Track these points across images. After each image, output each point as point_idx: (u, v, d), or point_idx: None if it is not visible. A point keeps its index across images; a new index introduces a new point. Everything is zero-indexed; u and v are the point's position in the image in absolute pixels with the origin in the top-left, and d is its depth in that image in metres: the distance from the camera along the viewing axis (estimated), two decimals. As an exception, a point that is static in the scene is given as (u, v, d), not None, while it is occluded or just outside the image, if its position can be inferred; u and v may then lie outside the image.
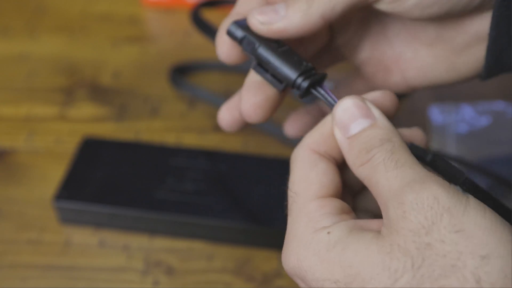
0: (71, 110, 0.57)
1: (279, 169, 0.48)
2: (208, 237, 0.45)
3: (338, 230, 0.25)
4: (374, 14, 0.34)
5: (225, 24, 0.32)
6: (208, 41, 0.51)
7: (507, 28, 0.29)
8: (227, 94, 0.58)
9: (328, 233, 0.25)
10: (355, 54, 0.36)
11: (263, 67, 0.30)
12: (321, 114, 0.36)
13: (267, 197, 0.46)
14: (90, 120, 0.56)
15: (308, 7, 0.29)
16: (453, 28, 0.32)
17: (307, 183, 0.26)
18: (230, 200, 0.46)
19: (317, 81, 0.29)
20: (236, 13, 0.32)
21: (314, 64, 0.31)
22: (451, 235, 0.22)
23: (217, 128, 0.55)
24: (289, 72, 0.29)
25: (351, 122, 0.26)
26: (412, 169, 0.24)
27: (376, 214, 0.28)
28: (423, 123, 0.53)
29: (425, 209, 0.22)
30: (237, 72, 0.61)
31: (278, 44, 0.30)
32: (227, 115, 0.35)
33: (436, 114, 0.53)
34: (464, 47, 0.32)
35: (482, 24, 0.31)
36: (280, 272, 0.44)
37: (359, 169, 0.25)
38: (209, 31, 0.49)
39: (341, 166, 0.28)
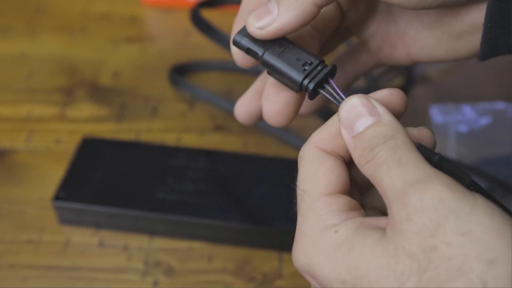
0: (71, 110, 0.57)
1: (279, 169, 0.48)
2: (208, 237, 0.45)
3: (345, 229, 0.24)
4: None
5: (235, 28, 0.32)
6: (208, 41, 0.51)
7: (501, 20, 0.30)
8: (227, 94, 0.58)
9: (336, 231, 0.24)
10: (362, 30, 0.36)
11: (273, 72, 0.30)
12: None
13: (267, 197, 0.46)
14: (90, 120, 0.56)
15: (295, 3, 0.29)
16: (451, 15, 0.32)
17: (315, 180, 0.26)
18: (230, 200, 0.46)
19: (324, 79, 0.29)
20: (247, 10, 0.32)
21: (326, 44, 0.31)
22: (457, 238, 0.21)
23: (217, 128, 0.55)
24: (295, 77, 0.29)
25: (356, 121, 0.26)
26: (416, 168, 0.23)
27: (384, 211, 0.28)
28: (424, 123, 0.53)
29: (430, 211, 0.22)
30: (237, 72, 0.61)
31: (284, 45, 0.30)
32: (242, 110, 0.36)
33: (436, 114, 0.53)
34: (461, 33, 0.33)
35: (477, 14, 0.31)
36: (280, 272, 0.44)
37: (364, 168, 0.25)
38: (209, 30, 0.50)
39: (349, 163, 0.28)
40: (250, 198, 0.46)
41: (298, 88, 0.29)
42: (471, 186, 0.25)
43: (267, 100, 0.32)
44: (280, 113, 0.32)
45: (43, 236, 0.46)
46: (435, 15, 0.33)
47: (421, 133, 0.28)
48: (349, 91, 0.30)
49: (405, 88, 0.58)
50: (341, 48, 0.38)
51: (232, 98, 0.58)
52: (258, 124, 0.54)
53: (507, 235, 0.21)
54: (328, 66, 0.29)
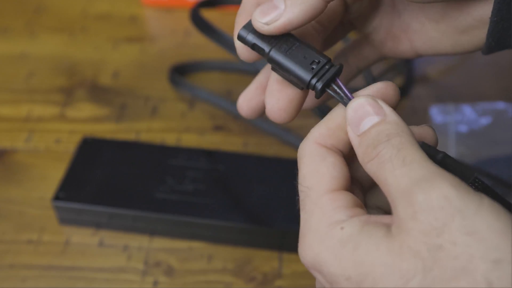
0: (71, 110, 0.57)
1: (279, 169, 0.48)
2: (208, 237, 0.45)
3: (350, 226, 0.24)
4: None
5: (238, 21, 0.31)
6: (208, 41, 0.51)
7: (508, 14, 0.30)
8: (227, 94, 0.58)
9: (342, 228, 0.25)
10: (365, 24, 0.36)
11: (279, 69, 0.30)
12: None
13: (267, 197, 0.46)
14: (90, 120, 0.56)
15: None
16: (457, 9, 0.32)
17: (319, 176, 0.26)
18: (230, 200, 0.46)
19: (332, 79, 0.29)
20: (251, 2, 0.32)
21: (327, 39, 0.31)
22: (463, 237, 0.21)
23: (217, 128, 0.55)
24: (302, 75, 0.29)
25: (362, 120, 0.26)
26: (421, 166, 0.23)
27: (387, 211, 0.28)
28: (424, 123, 0.53)
29: (435, 210, 0.22)
30: (237, 72, 0.61)
31: (290, 42, 0.29)
32: (244, 104, 0.36)
33: (436, 114, 0.53)
34: (467, 27, 0.33)
35: (484, 8, 0.31)
36: (280, 272, 0.44)
37: (368, 165, 0.25)
38: (209, 30, 0.49)
39: (349, 160, 0.28)
40: (250, 198, 0.46)
41: (305, 87, 0.29)
42: (476, 183, 0.25)
43: (271, 96, 0.32)
44: (284, 110, 0.32)
45: (43, 236, 0.46)
46: (440, 8, 0.33)
47: (423, 131, 0.28)
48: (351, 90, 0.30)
49: (405, 88, 0.58)
50: (339, 45, 0.38)
51: (232, 98, 0.58)
52: (258, 124, 0.54)
53: None
54: (335, 66, 0.29)
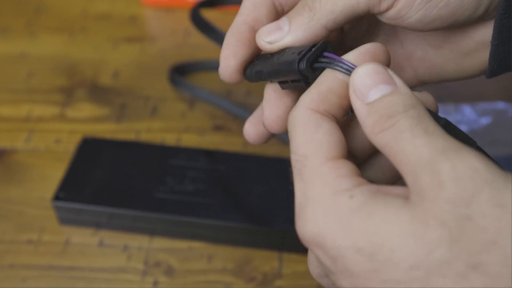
0: (71, 110, 0.57)
1: (279, 169, 0.48)
2: (208, 237, 0.45)
3: (361, 193, 0.23)
4: None
5: (230, 39, 0.33)
6: (208, 41, 0.51)
7: (508, 37, 0.30)
8: (227, 94, 0.58)
9: (351, 196, 0.23)
10: None
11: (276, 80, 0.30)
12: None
13: (267, 197, 0.46)
14: (90, 120, 0.56)
15: (309, 20, 0.29)
16: (459, 33, 0.32)
17: (316, 144, 0.25)
18: (230, 200, 0.46)
19: (319, 54, 0.28)
20: (243, 22, 0.32)
21: None
22: (492, 209, 0.21)
23: (217, 128, 0.55)
24: (291, 64, 0.28)
25: (372, 88, 0.24)
26: (444, 138, 0.23)
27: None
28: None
29: (464, 180, 0.21)
30: (237, 72, 0.61)
31: (280, 52, 0.30)
32: (251, 130, 0.35)
33: (436, 114, 0.53)
34: (470, 51, 0.32)
35: (486, 32, 0.31)
36: (280, 272, 0.44)
37: (378, 136, 0.24)
38: (209, 30, 0.49)
39: (344, 131, 0.27)
40: (250, 198, 0.46)
41: (300, 77, 0.29)
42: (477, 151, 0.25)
43: (268, 105, 0.32)
44: (283, 119, 0.31)
45: (43, 236, 0.46)
46: (442, 34, 0.33)
47: (423, 98, 0.27)
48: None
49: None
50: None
51: (232, 98, 0.58)
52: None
53: None
54: (320, 43, 0.28)
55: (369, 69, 0.25)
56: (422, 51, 0.34)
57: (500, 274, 0.20)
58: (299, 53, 0.29)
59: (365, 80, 0.25)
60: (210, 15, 0.55)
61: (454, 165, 0.21)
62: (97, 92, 0.59)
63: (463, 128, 0.52)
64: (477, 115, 0.53)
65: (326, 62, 0.27)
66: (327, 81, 0.26)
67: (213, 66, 0.61)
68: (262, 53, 0.32)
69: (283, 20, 0.30)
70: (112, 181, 0.47)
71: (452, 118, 0.53)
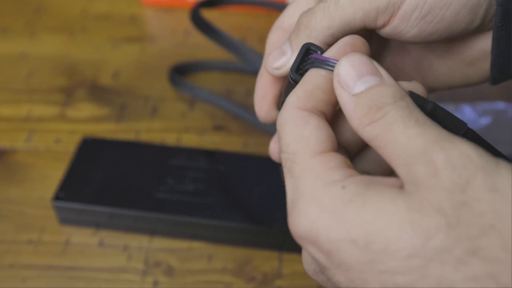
0: (71, 110, 0.57)
1: (279, 169, 0.48)
2: (208, 237, 0.45)
3: (354, 184, 0.23)
4: None
5: (258, 82, 0.35)
6: (208, 41, 0.51)
7: (507, 47, 0.30)
8: (227, 94, 0.58)
9: (343, 187, 0.23)
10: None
11: None
12: None
13: (267, 197, 0.46)
14: (90, 120, 0.56)
15: (308, 38, 0.30)
16: (461, 44, 0.33)
17: (304, 140, 0.25)
18: (230, 200, 0.46)
19: (303, 59, 0.28)
20: (279, 26, 0.34)
21: None
22: (487, 194, 0.21)
23: (217, 128, 0.55)
24: (288, 80, 0.29)
25: (358, 80, 0.24)
26: (434, 129, 0.23)
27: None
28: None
29: (458, 168, 0.21)
30: (237, 72, 0.61)
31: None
32: (276, 148, 0.37)
33: (436, 114, 0.53)
34: (473, 60, 0.33)
35: (486, 41, 0.32)
36: (280, 272, 0.44)
37: (367, 128, 0.24)
38: (209, 30, 0.49)
39: (332, 124, 0.27)
40: (250, 198, 0.46)
41: (294, 84, 0.29)
42: (468, 134, 0.25)
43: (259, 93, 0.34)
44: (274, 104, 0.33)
45: (43, 236, 0.46)
46: (445, 45, 0.33)
47: (413, 87, 0.27)
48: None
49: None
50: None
51: (232, 98, 0.58)
52: (258, 124, 0.54)
53: None
54: (300, 48, 0.28)
55: (354, 60, 0.25)
56: (428, 61, 0.34)
57: (499, 258, 0.20)
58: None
59: (350, 71, 0.25)
60: (210, 15, 0.55)
61: (448, 154, 0.22)
62: (97, 92, 0.59)
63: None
64: (477, 115, 0.53)
65: (310, 63, 0.27)
66: (311, 78, 0.26)
67: (213, 66, 0.61)
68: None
69: (285, 44, 0.31)
70: (112, 181, 0.47)
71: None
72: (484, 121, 0.53)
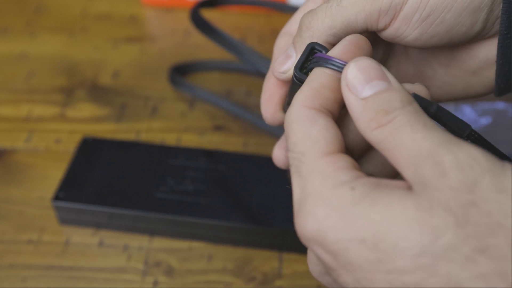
0: (71, 110, 0.57)
1: (279, 169, 0.48)
2: (208, 237, 0.45)
3: (362, 185, 0.23)
4: None
5: (265, 85, 0.35)
6: (208, 41, 0.51)
7: None
8: (227, 94, 0.58)
9: (352, 188, 0.23)
10: None
11: None
12: None
13: (267, 197, 0.46)
14: (90, 120, 0.56)
15: (311, 39, 0.30)
16: (464, 52, 0.33)
17: (312, 140, 0.25)
18: (230, 200, 0.46)
19: (307, 59, 0.28)
20: (286, 32, 0.35)
21: None
22: (495, 194, 0.21)
23: (217, 128, 0.55)
24: (292, 80, 0.29)
25: (366, 83, 0.25)
26: (442, 132, 0.23)
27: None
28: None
29: (466, 169, 0.22)
30: (237, 72, 0.61)
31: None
32: (280, 153, 0.36)
33: (436, 114, 0.53)
34: (477, 69, 0.33)
35: (490, 49, 0.31)
36: (280, 272, 0.44)
37: (375, 132, 0.24)
38: (209, 30, 0.49)
39: (339, 124, 0.27)
40: (250, 198, 0.46)
41: (299, 84, 0.29)
42: (472, 136, 0.25)
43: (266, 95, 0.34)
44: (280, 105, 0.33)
45: (43, 236, 0.46)
46: (448, 53, 0.33)
47: (417, 89, 0.27)
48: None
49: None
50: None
51: (232, 98, 0.58)
52: (258, 124, 0.54)
53: None
54: (305, 48, 0.29)
55: (363, 63, 0.25)
56: (432, 69, 0.34)
57: (507, 256, 0.20)
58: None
59: (358, 74, 0.25)
60: (210, 15, 0.55)
61: (456, 155, 0.22)
62: (97, 92, 0.59)
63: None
64: (477, 115, 0.53)
65: (315, 62, 0.27)
66: (318, 77, 0.27)
67: (213, 66, 0.61)
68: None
69: (290, 48, 0.31)
70: (112, 181, 0.47)
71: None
72: (484, 121, 0.53)
